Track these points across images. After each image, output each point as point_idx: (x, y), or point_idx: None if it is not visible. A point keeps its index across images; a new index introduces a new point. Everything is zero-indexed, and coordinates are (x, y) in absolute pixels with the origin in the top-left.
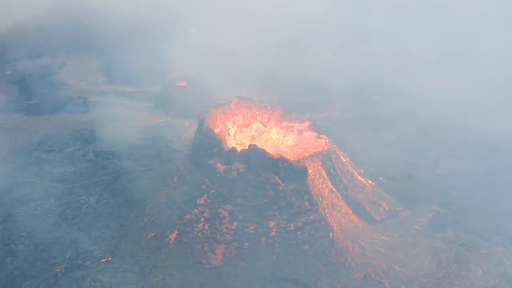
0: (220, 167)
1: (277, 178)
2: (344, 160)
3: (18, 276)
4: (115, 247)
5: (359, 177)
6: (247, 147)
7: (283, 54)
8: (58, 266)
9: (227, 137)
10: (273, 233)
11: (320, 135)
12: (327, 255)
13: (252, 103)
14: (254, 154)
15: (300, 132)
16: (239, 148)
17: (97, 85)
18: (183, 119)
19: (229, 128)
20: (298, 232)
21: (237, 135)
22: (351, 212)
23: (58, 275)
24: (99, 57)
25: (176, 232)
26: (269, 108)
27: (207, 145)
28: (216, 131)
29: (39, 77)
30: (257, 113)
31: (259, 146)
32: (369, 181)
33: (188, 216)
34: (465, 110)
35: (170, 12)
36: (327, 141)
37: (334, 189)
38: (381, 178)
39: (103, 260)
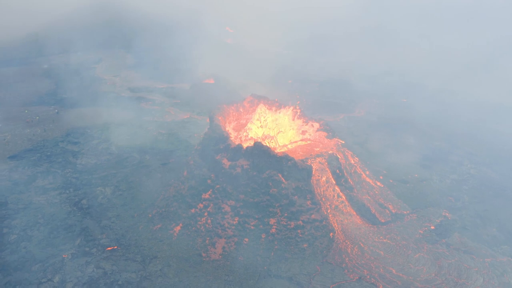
0: (226, 163)
1: (280, 175)
2: (353, 161)
3: (29, 260)
4: (121, 237)
5: (367, 179)
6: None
7: (313, 54)
8: (66, 252)
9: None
10: (273, 230)
11: (331, 136)
12: (325, 255)
13: (266, 101)
14: (258, 152)
15: (310, 132)
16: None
17: (130, 81)
18: (206, 116)
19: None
20: (298, 231)
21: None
22: (354, 213)
23: (65, 261)
24: (134, 54)
25: (180, 225)
26: (282, 106)
27: (215, 141)
28: (229, 127)
29: (75, 72)
30: (270, 110)
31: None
32: (378, 183)
33: (193, 210)
34: (498, 115)
35: (200, 12)
36: (337, 142)
37: (339, 190)
38: (391, 181)
39: (108, 248)
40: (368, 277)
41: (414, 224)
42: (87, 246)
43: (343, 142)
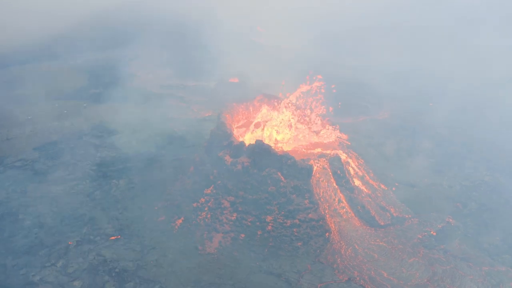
0: (228, 159)
1: (279, 174)
2: (357, 163)
3: (37, 245)
4: (126, 227)
5: (370, 181)
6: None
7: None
8: (72, 239)
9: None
10: (269, 227)
11: (338, 136)
12: (318, 254)
13: (276, 100)
14: (259, 149)
15: (318, 132)
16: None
17: (162, 78)
18: None
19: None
20: (294, 229)
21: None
22: (353, 214)
23: (69, 247)
24: (169, 52)
25: (182, 218)
26: (293, 106)
27: (219, 138)
28: (237, 125)
29: (109, 68)
30: (280, 110)
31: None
32: (382, 186)
33: (195, 204)
34: None
35: (229, 11)
36: (343, 143)
37: (339, 191)
38: (397, 184)
39: (112, 237)
40: (357, 278)
41: (414, 228)
42: (92, 235)
43: (349, 143)
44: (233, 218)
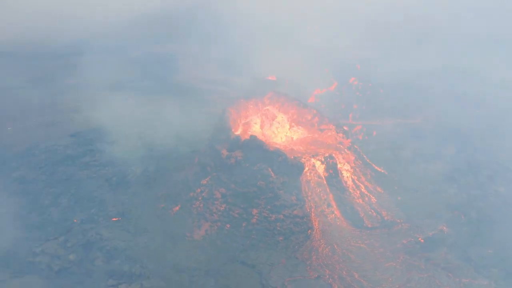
0: (224, 153)
1: (270, 169)
2: (353, 164)
3: (48, 221)
4: (128, 211)
5: (365, 182)
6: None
7: (387, 53)
8: (78, 218)
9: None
10: (254, 220)
11: (342, 138)
12: (295, 250)
13: (286, 98)
14: (253, 145)
15: (320, 131)
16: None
17: (210, 73)
18: None
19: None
20: (278, 224)
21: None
22: (340, 214)
23: (73, 225)
24: (222, 47)
25: (179, 205)
26: (301, 105)
27: (219, 132)
28: (244, 121)
29: (159, 62)
30: (289, 108)
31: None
32: (378, 189)
33: (191, 194)
34: None
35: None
36: (345, 143)
37: (328, 190)
38: (396, 188)
39: (114, 219)
40: (327, 277)
41: (401, 233)
42: (96, 215)
43: (350, 144)
44: (222, 208)
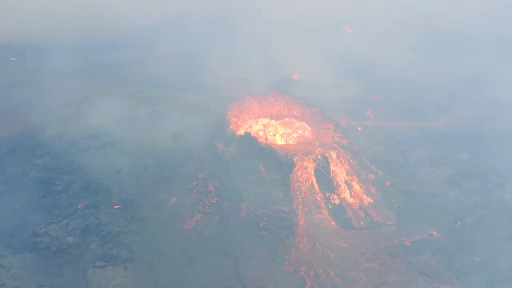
0: (220, 148)
1: (261, 165)
2: (347, 165)
3: (56, 206)
4: (130, 200)
5: (358, 183)
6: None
7: (431, 60)
8: (83, 203)
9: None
10: (242, 214)
11: (339, 138)
12: (277, 245)
13: (290, 97)
14: (246, 141)
15: (320, 130)
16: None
17: (238, 72)
18: None
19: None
20: (264, 218)
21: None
22: (327, 213)
23: (77, 210)
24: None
25: (176, 197)
26: (305, 104)
27: (218, 127)
28: (250, 118)
29: (188, 59)
30: (293, 107)
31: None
32: (372, 190)
33: (189, 186)
34: None
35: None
36: (341, 143)
37: (317, 188)
38: (392, 190)
39: (115, 206)
40: (302, 272)
41: (388, 235)
42: (100, 202)
43: (347, 144)
44: (213, 201)
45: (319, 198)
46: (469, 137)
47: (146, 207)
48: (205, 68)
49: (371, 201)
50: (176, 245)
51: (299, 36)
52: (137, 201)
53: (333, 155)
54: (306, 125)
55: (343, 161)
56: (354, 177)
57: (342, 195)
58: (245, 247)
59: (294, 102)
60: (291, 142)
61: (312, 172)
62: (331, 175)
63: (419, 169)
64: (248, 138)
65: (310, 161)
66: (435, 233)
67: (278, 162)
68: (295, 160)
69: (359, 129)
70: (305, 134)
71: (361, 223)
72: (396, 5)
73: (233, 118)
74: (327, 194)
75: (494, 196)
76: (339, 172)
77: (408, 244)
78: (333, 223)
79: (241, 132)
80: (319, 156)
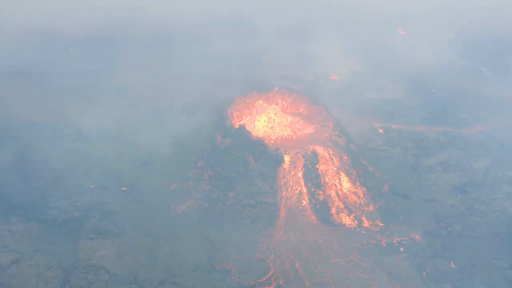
0: (219, 139)
1: (251, 158)
2: (338, 163)
3: (72, 185)
4: (137, 183)
5: (348, 182)
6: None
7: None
8: (96, 184)
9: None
10: (229, 202)
11: (336, 136)
12: (254, 234)
13: (297, 95)
14: (240, 133)
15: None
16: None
17: (286, 70)
18: None
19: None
20: (248, 208)
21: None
22: (310, 208)
23: (88, 189)
24: (299, 46)
25: (177, 183)
26: (312, 102)
27: (219, 120)
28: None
29: (242, 56)
30: (300, 105)
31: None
32: (362, 189)
33: (189, 174)
34: None
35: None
36: (337, 141)
37: (303, 183)
38: (383, 191)
39: (123, 188)
40: (269, 260)
41: (366, 234)
42: (110, 184)
43: (343, 143)
44: (206, 188)
45: (304, 193)
46: (496, 147)
47: (149, 190)
48: (258, 66)
49: (358, 200)
50: (163, 226)
51: (348, 36)
52: (143, 185)
53: (324, 152)
54: (306, 121)
55: (334, 159)
56: (344, 176)
57: (328, 192)
58: (225, 233)
59: (302, 100)
60: (286, 131)
61: (300, 167)
62: (319, 172)
63: (426, 174)
64: (242, 131)
65: (300, 157)
66: (417, 236)
67: (268, 156)
68: (284, 154)
69: (380, 131)
70: (304, 130)
71: (342, 220)
72: (456, 11)
73: (237, 112)
74: (312, 189)
75: (498, 206)
76: (328, 169)
77: (384, 244)
78: (313, 218)
79: (241, 124)
80: (308, 153)
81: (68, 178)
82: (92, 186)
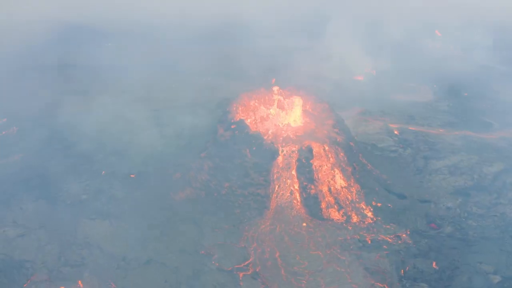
0: (221, 131)
1: (247, 150)
2: (333, 160)
3: (89, 171)
4: (145, 172)
5: (341, 178)
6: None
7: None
8: (108, 171)
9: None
10: (224, 191)
11: (335, 133)
12: (242, 222)
13: (304, 92)
14: (240, 127)
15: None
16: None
17: (321, 68)
18: None
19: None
20: (240, 198)
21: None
22: (299, 202)
23: (101, 175)
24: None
25: (181, 173)
26: (318, 100)
27: (223, 113)
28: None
29: (274, 55)
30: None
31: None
32: (356, 186)
33: (193, 164)
34: None
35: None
36: (335, 137)
37: (295, 177)
38: (377, 189)
39: (131, 175)
40: (251, 248)
41: (351, 230)
42: (119, 171)
43: (340, 141)
44: (204, 178)
45: (295, 187)
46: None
47: (154, 178)
48: (286, 65)
49: (350, 196)
50: (159, 211)
51: (382, 35)
52: (148, 172)
53: (319, 148)
54: (308, 118)
55: (329, 155)
56: (338, 172)
57: (320, 187)
58: (214, 220)
59: (308, 98)
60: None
61: (294, 162)
62: (312, 167)
63: (430, 176)
64: (242, 125)
65: (295, 151)
66: (404, 235)
67: (263, 149)
68: (280, 149)
69: (395, 132)
70: (304, 126)
71: (330, 215)
72: (495, 19)
73: (242, 107)
74: (304, 183)
75: (499, 212)
76: (322, 165)
77: (369, 241)
78: (303, 211)
79: (240, 118)
80: (304, 148)
81: (84, 166)
82: (104, 172)
